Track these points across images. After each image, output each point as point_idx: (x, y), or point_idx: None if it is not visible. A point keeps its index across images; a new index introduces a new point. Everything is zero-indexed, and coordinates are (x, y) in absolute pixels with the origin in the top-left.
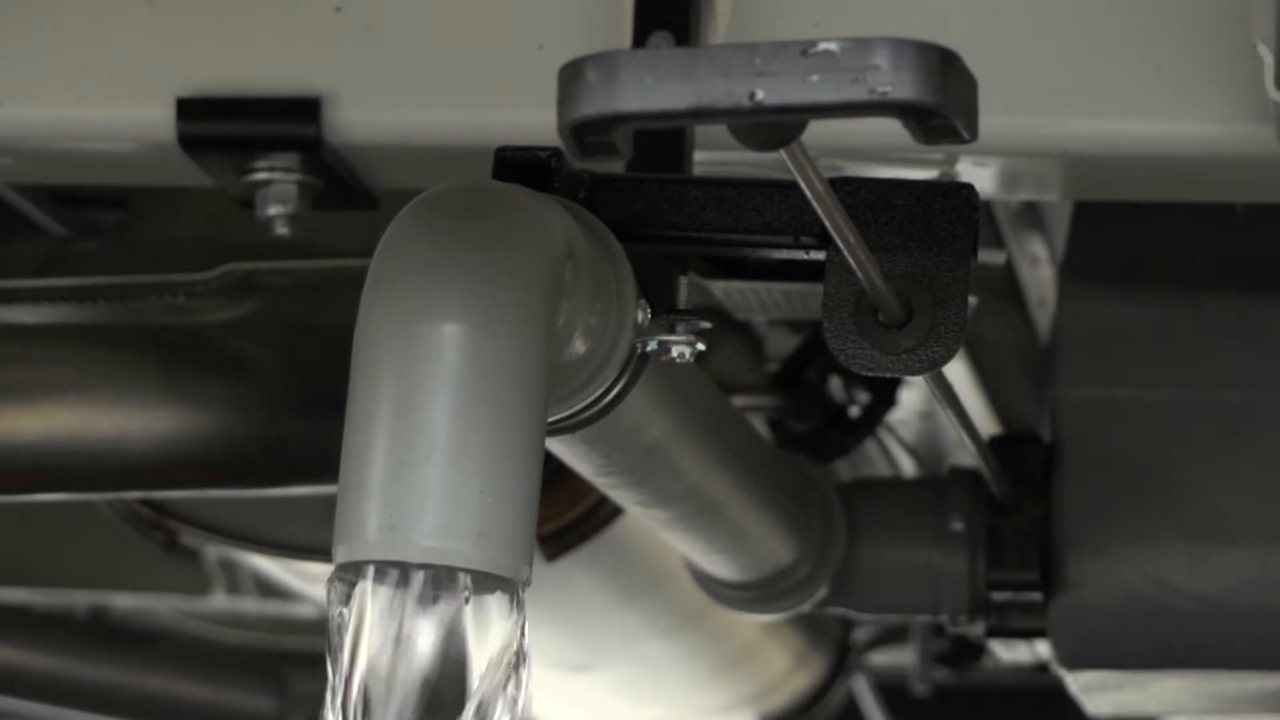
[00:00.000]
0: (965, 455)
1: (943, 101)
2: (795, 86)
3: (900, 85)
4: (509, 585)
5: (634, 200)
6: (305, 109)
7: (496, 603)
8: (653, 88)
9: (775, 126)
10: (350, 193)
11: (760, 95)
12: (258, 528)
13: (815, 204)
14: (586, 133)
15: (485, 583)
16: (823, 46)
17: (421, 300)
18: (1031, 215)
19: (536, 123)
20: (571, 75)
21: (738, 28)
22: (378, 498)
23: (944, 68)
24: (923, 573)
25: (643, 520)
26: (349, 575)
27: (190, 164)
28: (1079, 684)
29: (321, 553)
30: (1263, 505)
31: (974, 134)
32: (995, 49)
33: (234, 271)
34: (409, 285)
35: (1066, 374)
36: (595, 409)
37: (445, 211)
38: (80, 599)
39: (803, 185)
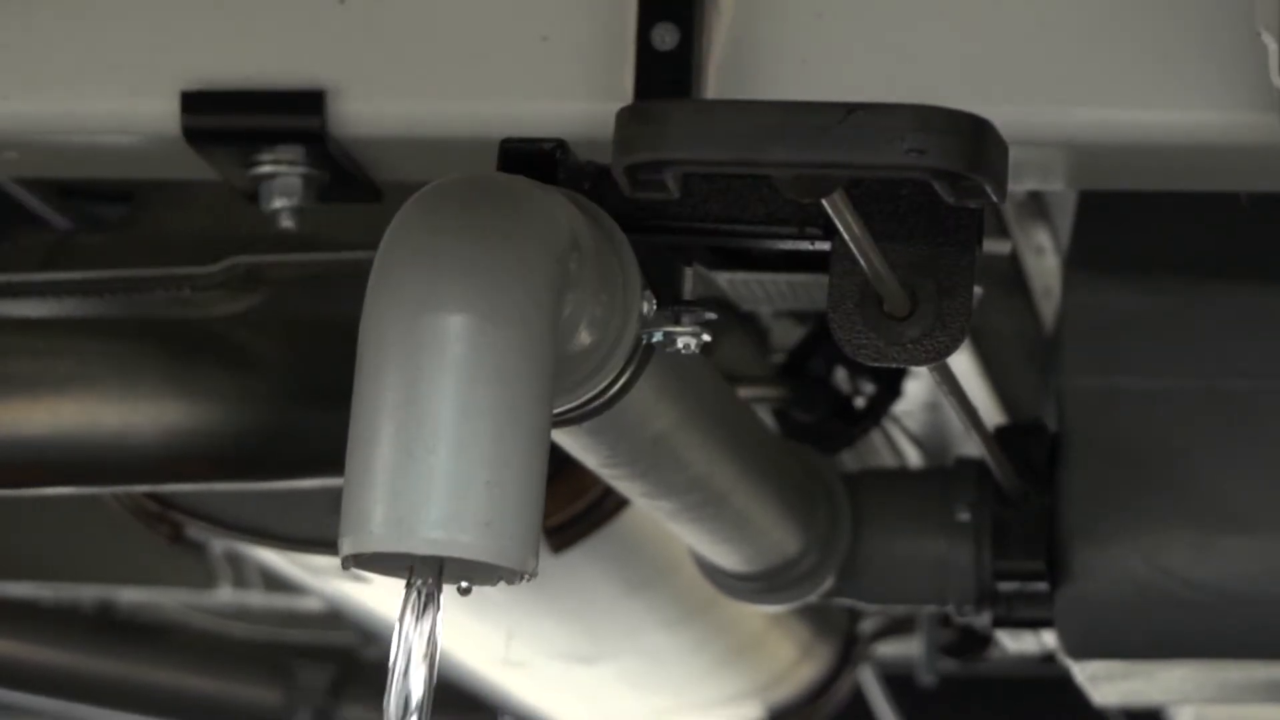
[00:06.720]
0: (971, 445)
1: (973, 168)
2: (836, 146)
3: (933, 152)
4: (515, 577)
5: None
6: (310, 101)
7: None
8: (702, 137)
9: (815, 179)
10: (355, 185)
11: (802, 153)
12: (263, 521)
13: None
14: (639, 173)
15: (491, 574)
16: (863, 110)
17: (427, 292)
18: (1036, 205)
19: (541, 114)
20: (628, 120)
21: (742, 18)
22: (383, 490)
23: (976, 134)
24: (929, 563)
25: (649, 511)
26: (356, 567)
27: (195, 157)
28: (1085, 674)
29: (328, 545)
30: (1268, 494)
31: (1003, 197)
32: (999, 38)
33: (239, 264)
34: (414, 277)
35: (1071, 363)
36: (601, 400)
37: (450, 203)
38: (87, 593)
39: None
